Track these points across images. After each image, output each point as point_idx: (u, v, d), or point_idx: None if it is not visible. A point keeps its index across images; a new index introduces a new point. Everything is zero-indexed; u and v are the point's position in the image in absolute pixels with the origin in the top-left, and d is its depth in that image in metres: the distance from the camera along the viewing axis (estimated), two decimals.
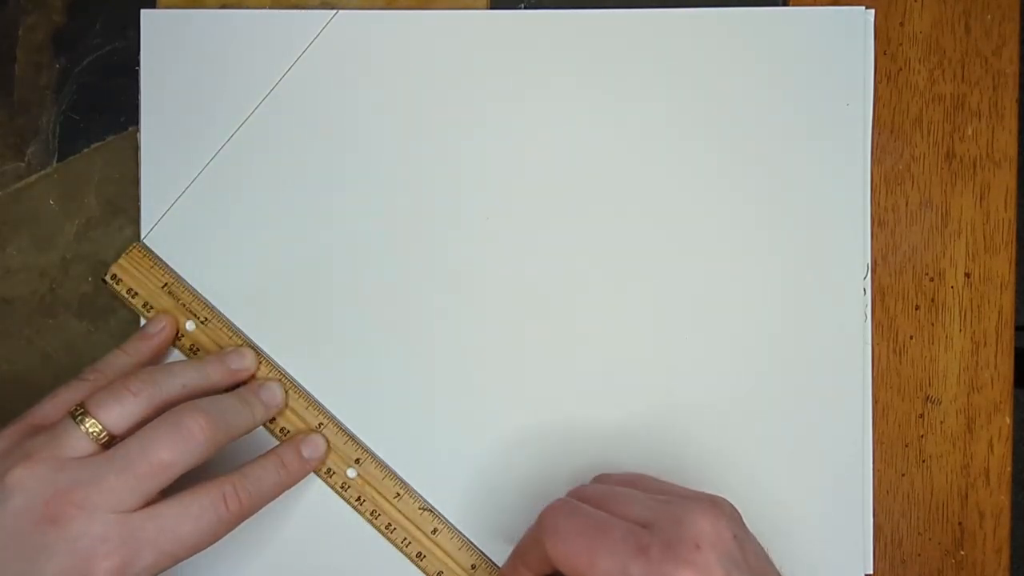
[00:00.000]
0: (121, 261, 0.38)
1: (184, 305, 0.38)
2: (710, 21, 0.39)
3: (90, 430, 0.31)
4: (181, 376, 0.34)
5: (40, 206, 0.40)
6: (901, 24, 0.40)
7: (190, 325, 0.38)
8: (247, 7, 0.39)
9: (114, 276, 0.38)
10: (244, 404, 0.35)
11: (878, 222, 0.40)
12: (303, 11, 0.39)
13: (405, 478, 0.39)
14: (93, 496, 0.29)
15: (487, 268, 0.39)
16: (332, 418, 0.38)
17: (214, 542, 0.32)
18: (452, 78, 0.39)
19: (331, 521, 0.39)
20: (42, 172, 0.40)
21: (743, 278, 0.39)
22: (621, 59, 0.39)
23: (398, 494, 0.38)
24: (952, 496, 0.39)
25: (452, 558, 0.38)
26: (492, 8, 0.40)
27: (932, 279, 0.40)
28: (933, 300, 0.40)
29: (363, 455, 0.38)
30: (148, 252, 0.39)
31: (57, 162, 0.40)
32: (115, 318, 0.39)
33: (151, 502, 0.31)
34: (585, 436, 0.39)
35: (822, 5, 0.40)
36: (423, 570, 0.38)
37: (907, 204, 0.40)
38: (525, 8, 0.40)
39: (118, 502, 0.30)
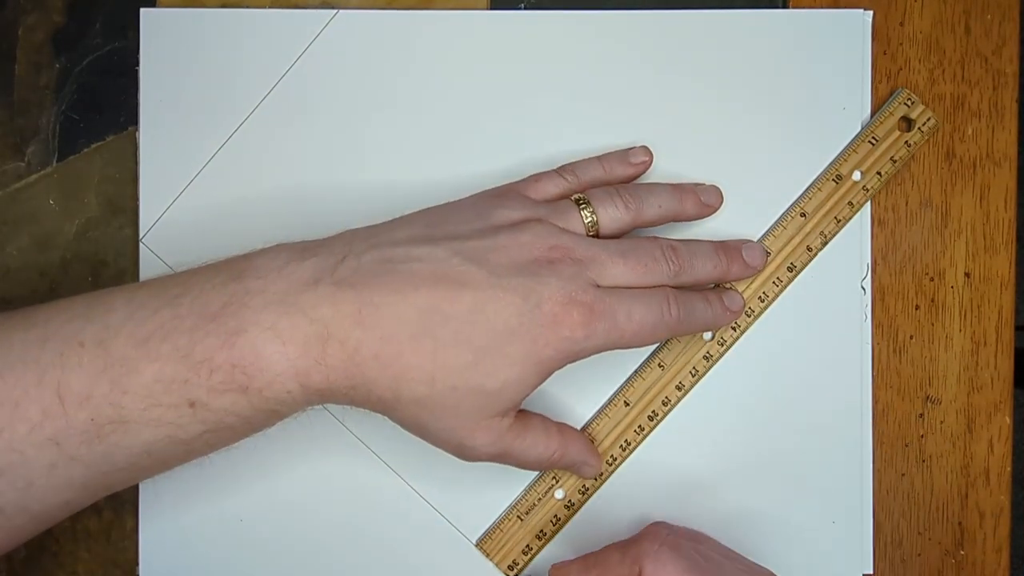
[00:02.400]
0: None
1: None
2: (709, 22, 0.39)
3: (587, 218, 0.34)
4: (659, 198, 0.36)
5: (40, 206, 0.40)
6: (901, 24, 0.40)
7: None
8: (247, 7, 0.39)
9: None
10: (708, 305, 0.36)
11: (878, 222, 0.40)
12: (303, 11, 0.39)
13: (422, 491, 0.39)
14: (585, 260, 0.33)
15: None
16: None
17: (650, 343, 0.35)
18: (452, 78, 0.39)
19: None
20: (42, 172, 0.40)
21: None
22: (621, 60, 0.39)
23: None
24: (952, 496, 0.40)
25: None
26: (492, 8, 0.40)
27: (932, 279, 0.40)
28: (933, 300, 0.40)
29: None
30: None
31: (57, 162, 0.40)
32: None
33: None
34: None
35: (821, 7, 0.40)
36: None
37: (907, 204, 0.40)
38: (525, 8, 0.40)
39: (599, 275, 0.33)
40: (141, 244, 0.39)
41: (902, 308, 0.40)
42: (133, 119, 0.40)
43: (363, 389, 0.31)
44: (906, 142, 0.39)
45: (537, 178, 0.36)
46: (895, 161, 0.39)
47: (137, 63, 0.39)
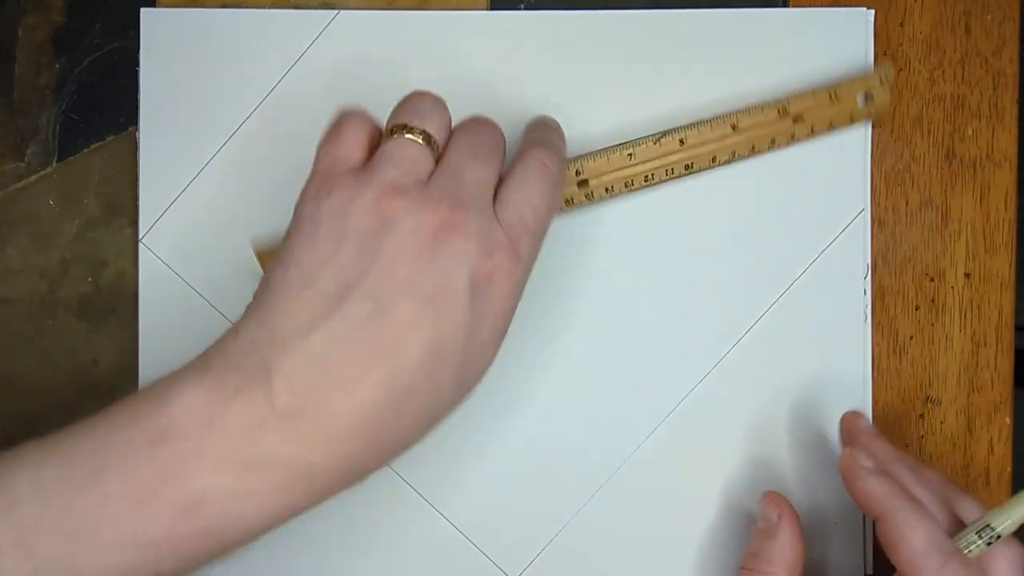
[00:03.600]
0: None
1: None
2: (710, 22, 0.39)
3: (419, 139, 0.30)
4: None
5: (40, 206, 0.40)
6: (901, 24, 0.40)
7: None
8: (247, 7, 0.39)
9: None
10: (554, 129, 0.35)
11: (878, 222, 0.40)
12: (303, 11, 0.39)
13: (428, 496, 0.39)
14: (466, 195, 0.29)
15: None
16: None
17: (556, 211, 0.32)
18: (452, 79, 0.39)
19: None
20: (42, 172, 0.40)
21: (744, 277, 0.39)
22: (621, 60, 0.39)
23: None
24: None
25: None
26: (492, 9, 0.40)
27: (932, 279, 0.40)
28: (933, 300, 0.40)
29: None
30: None
31: (57, 162, 0.40)
32: (115, 318, 0.39)
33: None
34: (585, 434, 0.39)
35: (822, 6, 0.40)
36: None
37: (907, 204, 0.40)
38: (525, 9, 0.40)
39: (481, 196, 0.30)
40: (141, 244, 0.39)
41: (902, 308, 0.40)
42: (133, 119, 0.40)
43: (365, 475, 0.29)
44: (850, 115, 0.38)
45: (332, 141, 0.32)
46: (833, 126, 0.38)
47: (137, 63, 0.39)
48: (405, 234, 0.28)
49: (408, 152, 0.30)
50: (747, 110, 0.38)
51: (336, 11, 0.39)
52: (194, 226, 0.39)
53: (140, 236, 0.39)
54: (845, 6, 0.39)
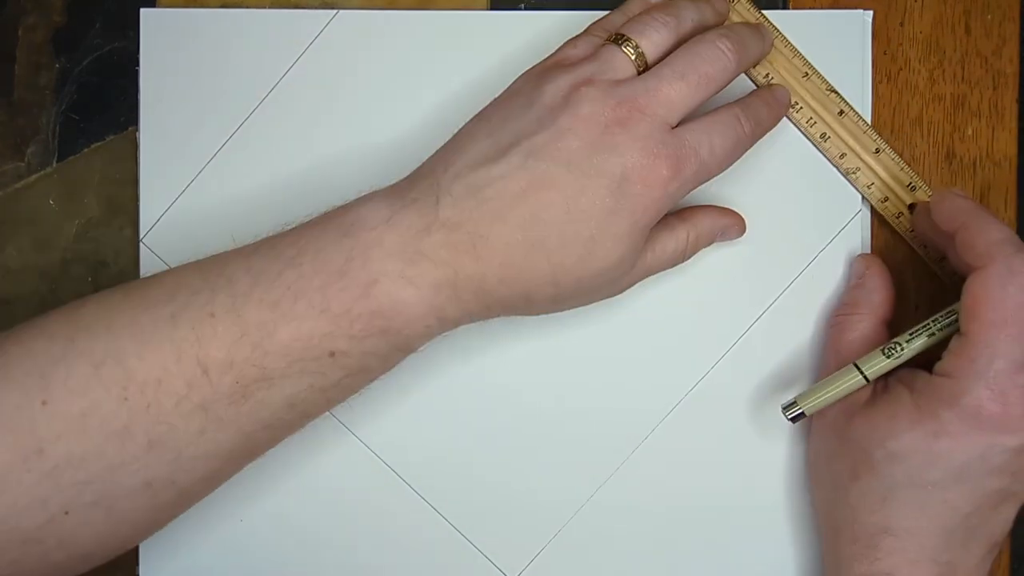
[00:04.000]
0: None
1: None
2: None
3: (631, 54, 0.34)
4: (691, 11, 0.35)
5: (40, 206, 0.40)
6: (901, 24, 0.40)
7: None
8: (247, 7, 0.39)
9: None
10: (757, 33, 0.37)
11: (878, 222, 0.40)
12: (303, 11, 0.39)
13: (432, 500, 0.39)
14: (652, 104, 0.32)
15: None
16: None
17: (732, 163, 0.35)
18: (452, 79, 0.39)
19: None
20: (42, 172, 0.40)
21: (743, 278, 0.39)
22: None
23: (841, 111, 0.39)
24: None
25: (893, 176, 0.39)
26: (492, 9, 0.40)
27: (932, 279, 0.40)
28: (933, 300, 0.40)
29: None
30: None
31: (57, 162, 0.40)
32: None
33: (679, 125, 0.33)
34: (584, 435, 0.39)
35: (821, 8, 0.40)
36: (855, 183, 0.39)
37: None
38: (525, 9, 0.40)
39: (669, 112, 0.33)
40: (141, 244, 0.39)
41: (902, 308, 0.40)
42: (133, 119, 0.40)
43: (497, 308, 0.33)
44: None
45: (570, 42, 0.36)
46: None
47: (137, 63, 0.39)
48: (581, 115, 0.32)
49: (614, 58, 0.34)
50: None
51: (336, 11, 0.39)
52: (194, 226, 0.39)
53: (140, 236, 0.39)
54: (845, 8, 0.39)
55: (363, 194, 0.34)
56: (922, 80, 0.40)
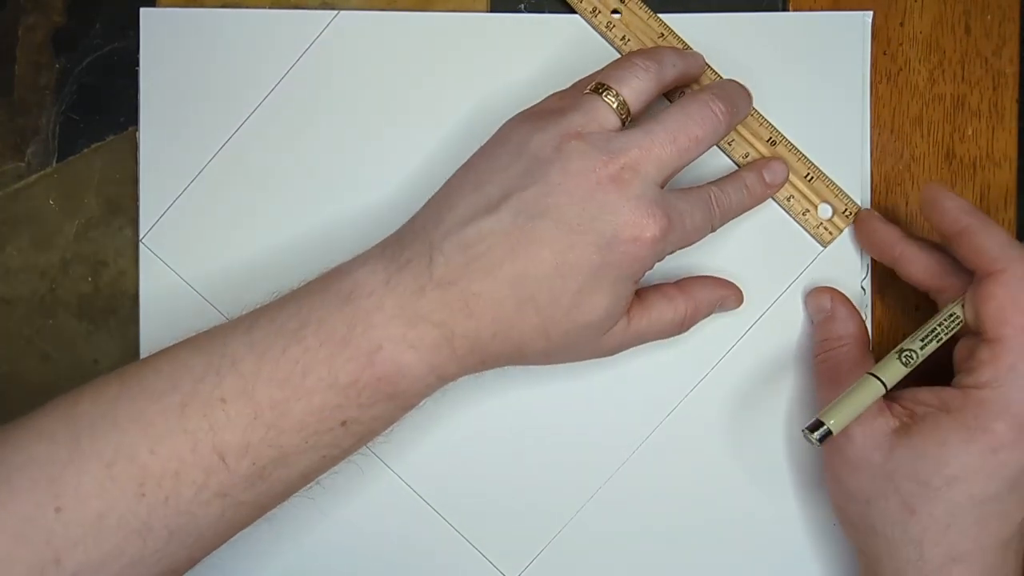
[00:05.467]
0: None
1: None
2: (709, 26, 0.39)
3: (613, 103, 0.33)
4: (674, 60, 0.36)
5: (40, 206, 0.40)
6: (901, 24, 0.40)
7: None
8: (247, 7, 0.39)
9: None
10: (746, 93, 0.37)
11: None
12: (303, 11, 0.39)
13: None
14: (643, 163, 0.32)
15: None
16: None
17: (702, 238, 0.35)
18: (452, 80, 0.39)
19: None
20: (42, 172, 0.40)
21: (743, 278, 0.39)
22: None
23: (662, 34, 0.39)
24: None
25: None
26: (492, 11, 0.40)
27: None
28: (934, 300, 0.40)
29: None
30: None
31: (57, 162, 0.40)
32: (115, 318, 0.39)
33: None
34: (584, 435, 0.39)
35: (821, 8, 0.40)
36: None
37: (907, 204, 0.40)
38: (525, 11, 0.40)
39: (659, 171, 0.33)
40: (141, 244, 0.39)
41: (902, 308, 0.40)
42: (133, 119, 0.40)
43: (491, 361, 0.33)
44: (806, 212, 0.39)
45: (556, 94, 0.36)
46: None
47: (137, 63, 0.39)
48: (572, 170, 0.32)
49: (596, 108, 0.33)
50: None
51: (336, 11, 0.39)
52: (194, 226, 0.39)
53: (140, 236, 0.39)
54: (845, 8, 0.39)
55: (357, 255, 0.34)
56: (922, 80, 0.40)
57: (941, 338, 0.34)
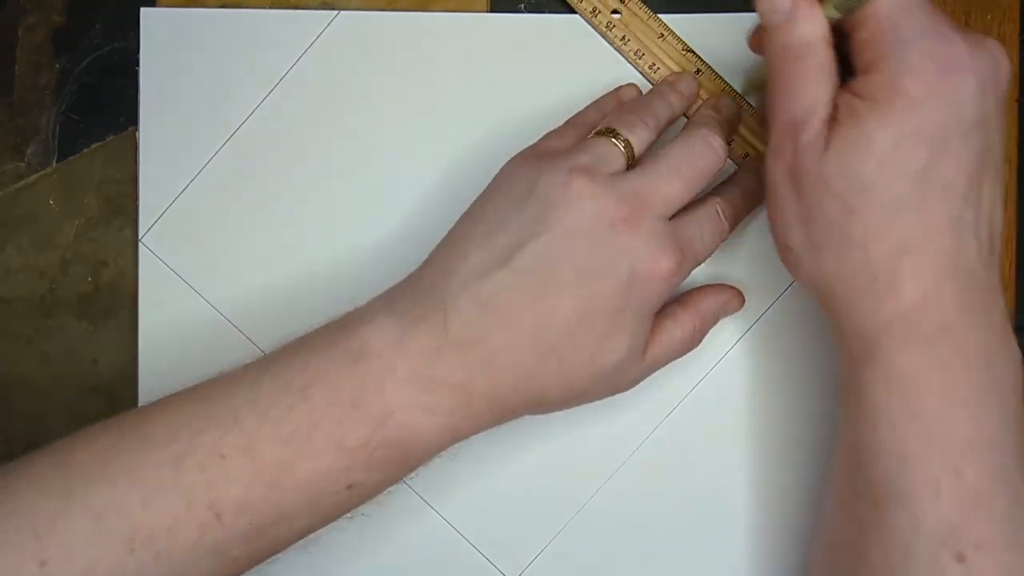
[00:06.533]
0: None
1: None
2: (709, 26, 0.39)
3: (623, 147, 0.33)
4: (666, 109, 0.36)
5: (40, 206, 0.40)
6: None
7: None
8: (247, 7, 0.39)
9: None
10: (739, 114, 0.38)
11: None
12: (303, 11, 0.39)
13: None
14: (653, 200, 0.32)
15: None
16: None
17: (713, 251, 0.35)
18: (452, 80, 0.39)
19: None
20: (42, 172, 0.40)
21: (742, 278, 0.39)
22: (621, 62, 0.39)
23: (662, 35, 0.39)
24: None
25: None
26: (492, 11, 0.40)
27: None
28: None
29: None
30: None
31: (57, 162, 0.40)
32: (115, 318, 0.39)
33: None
34: (584, 435, 0.39)
35: None
36: None
37: None
38: (525, 11, 0.40)
39: (667, 207, 0.33)
40: (141, 244, 0.39)
41: None
42: (133, 119, 0.40)
43: (509, 415, 0.33)
44: None
45: (549, 135, 0.36)
46: None
47: (137, 63, 0.39)
48: (584, 212, 0.31)
49: (605, 149, 0.33)
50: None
51: (336, 11, 0.39)
52: (194, 226, 0.39)
53: (140, 236, 0.39)
54: None
55: (363, 303, 0.33)
56: None
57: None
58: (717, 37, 0.39)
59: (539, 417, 0.39)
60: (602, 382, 0.33)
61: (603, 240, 0.31)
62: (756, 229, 0.39)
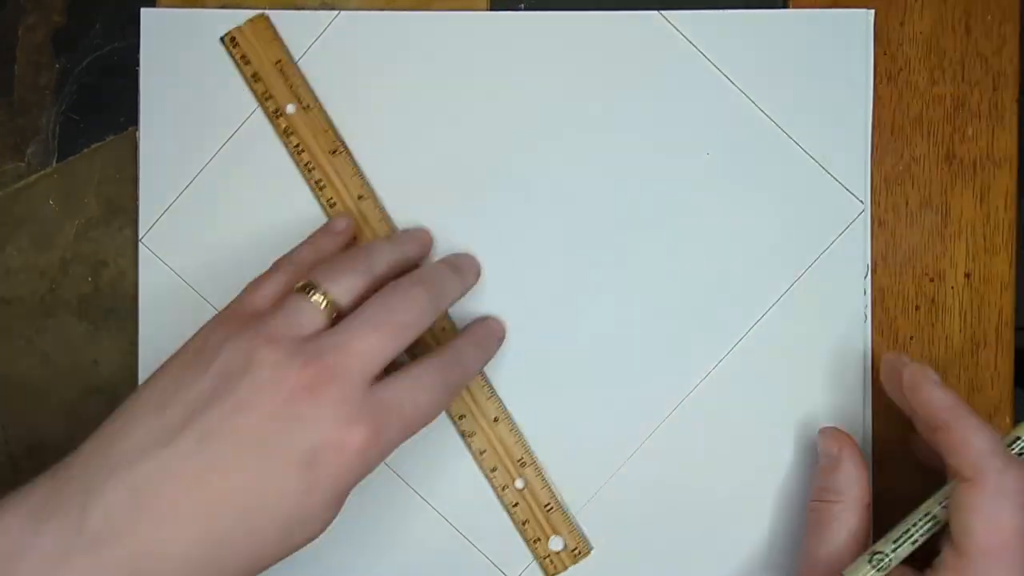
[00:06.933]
0: (243, 26, 0.38)
1: (291, 87, 0.38)
2: (710, 23, 0.39)
3: (321, 303, 0.30)
4: (386, 253, 0.34)
5: (40, 206, 0.40)
6: (901, 24, 0.40)
7: (291, 108, 0.38)
8: (247, 7, 0.39)
9: (232, 39, 0.38)
10: (454, 272, 0.35)
11: (878, 223, 0.40)
12: (303, 11, 0.39)
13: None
14: (344, 362, 0.29)
15: (485, 262, 0.39)
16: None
17: (437, 415, 0.32)
18: (452, 79, 0.39)
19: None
20: (42, 172, 0.40)
21: (743, 278, 0.39)
22: (621, 60, 0.39)
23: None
24: None
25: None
26: (492, 9, 0.40)
27: (932, 279, 0.40)
28: (933, 301, 0.40)
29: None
30: (271, 26, 0.39)
31: (57, 162, 0.40)
32: (115, 318, 0.39)
33: (378, 379, 0.30)
34: (584, 435, 0.39)
35: (822, 7, 0.40)
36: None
37: (907, 204, 0.40)
38: (525, 9, 0.40)
39: (365, 366, 0.29)
40: (141, 244, 0.39)
41: (902, 309, 0.40)
42: (133, 119, 0.40)
43: None
44: None
45: (255, 284, 0.33)
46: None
47: (137, 63, 0.39)
48: (263, 383, 0.28)
49: (301, 308, 0.30)
50: None
51: (336, 11, 0.39)
52: (194, 226, 0.39)
53: (140, 236, 0.39)
54: (845, 7, 0.39)
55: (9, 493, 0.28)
56: (922, 80, 0.40)
57: (916, 540, 0.33)
58: (716, 34, 0.39)
59: (540, 419, 0.39)
60: (297, 550, 0.30)
61: (279, 412, 0.28)
62: (756, 229, 0.39)
